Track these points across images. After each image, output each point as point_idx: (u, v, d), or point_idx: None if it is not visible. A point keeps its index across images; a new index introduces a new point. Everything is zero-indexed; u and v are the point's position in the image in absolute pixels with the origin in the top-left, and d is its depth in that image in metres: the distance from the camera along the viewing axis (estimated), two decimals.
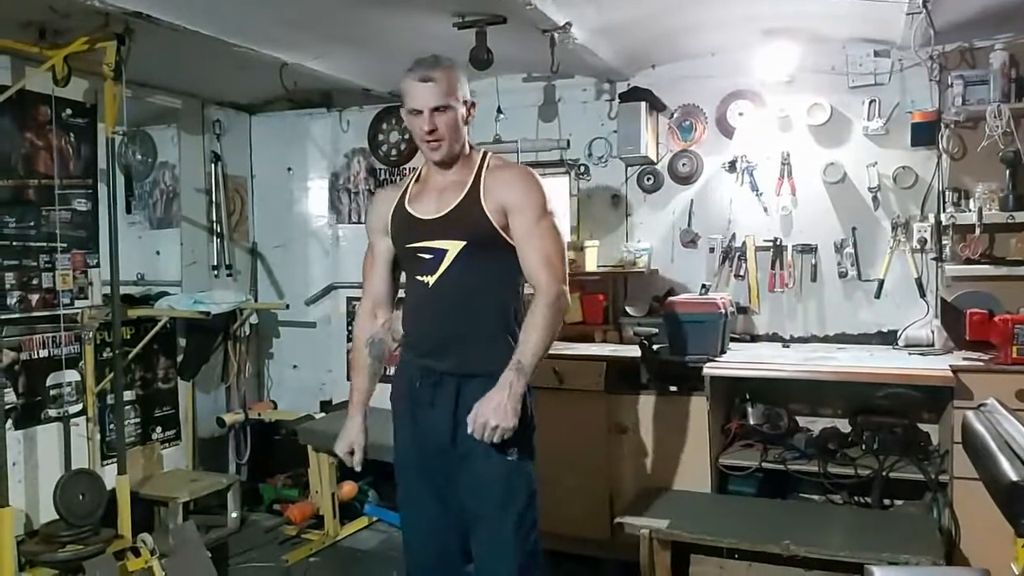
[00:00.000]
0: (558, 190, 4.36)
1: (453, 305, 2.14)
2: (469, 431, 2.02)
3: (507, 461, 2.11)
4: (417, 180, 2.28)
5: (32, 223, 3.61)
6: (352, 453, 2.30)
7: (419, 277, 2.19)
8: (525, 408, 2.09)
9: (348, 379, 2.32)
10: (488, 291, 2.15)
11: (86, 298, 3.82)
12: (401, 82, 2.15)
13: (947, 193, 3.54)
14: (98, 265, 3.87)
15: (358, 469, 2.32)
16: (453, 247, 2.13)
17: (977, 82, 3.37)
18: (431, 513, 2.22)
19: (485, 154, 2.25)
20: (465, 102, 2.17)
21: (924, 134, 3.56)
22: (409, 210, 2.22)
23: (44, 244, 3.65)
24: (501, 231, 2.13)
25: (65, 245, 3.73)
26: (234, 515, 4.08)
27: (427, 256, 2.16)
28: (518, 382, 2.03)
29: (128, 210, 4.20)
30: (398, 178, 4.67)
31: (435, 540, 2.24)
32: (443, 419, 2.14)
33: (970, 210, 3.41)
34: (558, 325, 2.12)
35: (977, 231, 3.39)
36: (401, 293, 2.36)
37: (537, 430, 2.22)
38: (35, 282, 3.62)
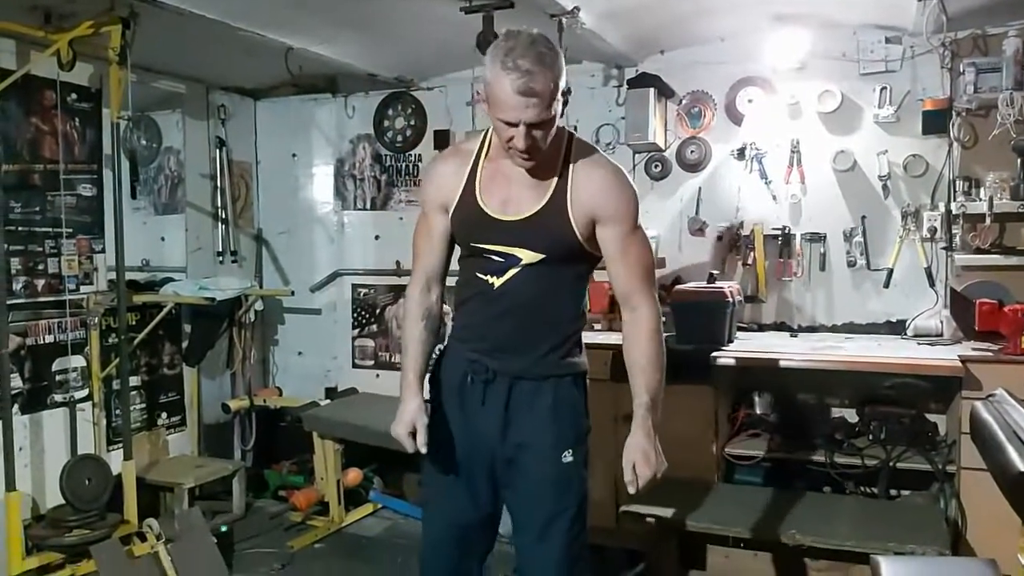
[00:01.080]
0: None
1: (516, 310, 1.98)
2: (632, 491, 1.94)
3: (562, 463, 2.01)
4: (487, 154, 1.99)
5: (37, 208, 3.61)
6: (414, 435, 2.01)
7: (481, 275, 2.00)
8: (583, 407, 2.05)
9: (399, 353, 2.18)
10: (556, 299, 2.01)
11: (91, 284, 3.82)
12: (490, 72, 1.79)
13: (958, 182, 3.50)
14: (103, 250, 3.87)
15: (423, 451, 2.01)
16: (528, 257, 1.94)
17: (989, 69, 3.33)
18: (463, 509, 2.09)
19: (571, 137, 1.98)
20: (565, 96, 1.86)
21: (935, 122, 3.53)
22: (481, 204, 1.96)
23: (49, 229, 3.65)
24: (585, 243, 1.95)
25: (70, 230, 3.73)
26: (239, 501, 4.10)
27: (496, 259, 1.96)
28: (655, 420, 1.95)
29: (133, 195, 4.21)
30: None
31: (461, 537, 2.11)
32: (493, 418, 2.01)
33: (981, 199, 3.38)
34: (662, 339, 2.00)
35: (988, 220, 3.35)
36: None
37: (591, 432, 2.14)
38: (40, 267, 3.62)
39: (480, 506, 2.09)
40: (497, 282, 1.97)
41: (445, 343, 2.15)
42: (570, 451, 2.02)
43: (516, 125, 1.79)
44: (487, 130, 1.99)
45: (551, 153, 1.91)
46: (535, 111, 1.76)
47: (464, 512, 2.09)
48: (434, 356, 2.14)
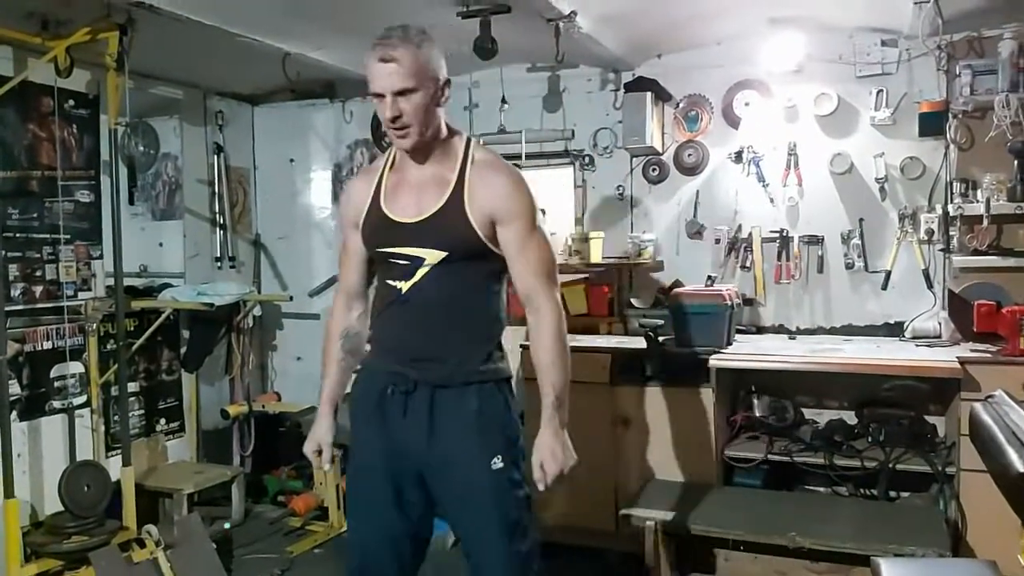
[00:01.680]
0: (562, 181, 4.36)
1: (428, 313, 1.99)
2: (541, 488, 1.96)
3: (492, 471, 1.97)
4: (392, 167, 2.07)
5: (35, 215, 3.60)
6: (320, 453, 2.17)
7: (391, 282, 2.02)
8: (509, 412, 2.02)
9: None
10: (466, 300, 2.01)
11: (89, 290, 3.82)
12: (365, 60, 1.91)
13: (955, 184, 3.51)
14: (101, 257, 3.87)
15: (326, 468, 2.22)
16: (432, 256, 1.96)
17: (985, 71, 3.34)
18: (390, 520, 2.06)
19: (468, 141, 2.04)
20: (437, 81, 1.93)
21: (932, 124, 3.54)
22: (385, 210, 2.02)
23: (47, 236, 3.64)
24: (487, 241, 1.97)
25: (68, 237, 3.72)
26: (238, 507, 4.09)
27: (402, 262, 1.99)
28: (563, 417, 1.98)
29: (131, 201, 4.21)
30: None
31: (392, 547, 2.08)
32: (417, 429, 1.99)
33: (978, 201, 3.38)
34: (565, 337, 2.01)
35: (985, 222, 3.36)
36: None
37: (522, 434, 2.09)
38: (39, 274, 3.61)
39: (409, 515, 2.07)
40: (405, 286, 1.98)
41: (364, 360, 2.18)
42: (499, 458, 1.98)
43: (384, 97, 1.87)
44: (391, 146, 2.08)
45: (448, 155, 1.99)
46: (396, 78, 1.85)
47: (395, 524, 2.06)
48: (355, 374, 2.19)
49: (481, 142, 2.15)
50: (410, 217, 1.98)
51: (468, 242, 1.95)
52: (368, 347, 2.18)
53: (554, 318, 1.98)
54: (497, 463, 1.98)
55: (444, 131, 2.01)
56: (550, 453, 1.94)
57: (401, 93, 1.86)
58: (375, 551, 2.09)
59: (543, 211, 2.07)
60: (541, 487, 1.96)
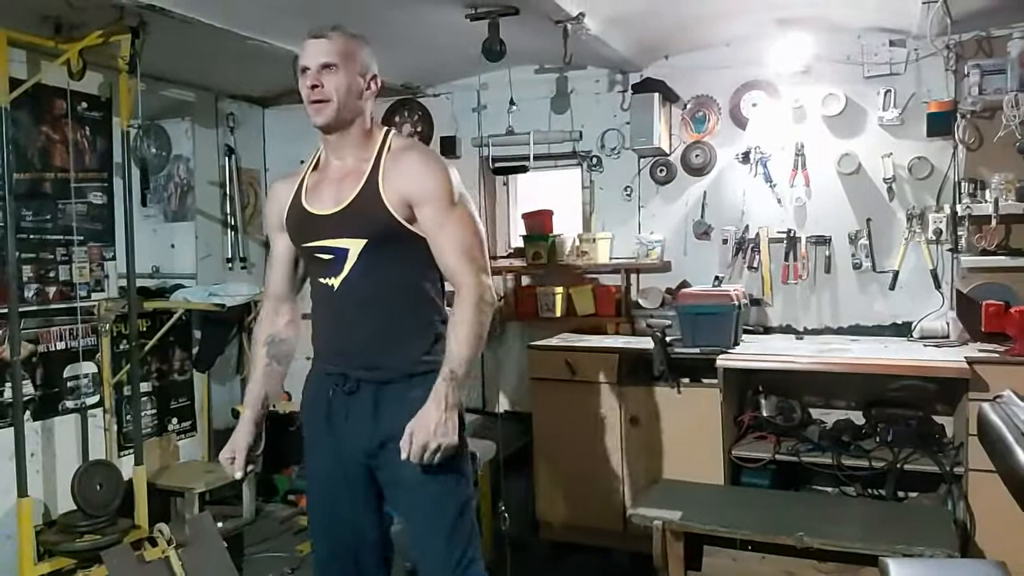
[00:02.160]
0: (570, 182, 4.38)
1: (363, 307, 1.95)
2: (404, 456, 1.82)
3: (437, 481, 1.92)
4: (316, 168, 2.07)
5: (49, 216, 3.64)
6: (233, 460, 2.09)
7: (323, 280, 1.99)
8: (460, 420, 1.91)
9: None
10: (400, 288, 1.97)
11: (102, 291, 3.86)
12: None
13: (963, 184, 3.51)
14: (114, 258, 3.91)
15: (238, 476, 2.12)
16: (354, 246, 1.93)
17: (994, 71, 3.34)
18: (351, 528, 2.05)
19: (388, 133, 2.02)
20: (364, 75, 1.97)
21: (940, 124, 3.54)
22: (305, 205, 2.01)
23: (61, 237, 3.68)
24: (406, 223, 1.93)
25: (81, 238, 3.76)
26: (249, 506, 4.11)
27: (327, 256, 1.97)
28: (452, 393, 1.85)
29: (143, 203, 4.24)
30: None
31: (355, 554, 2.07)
32: (362, 431, 1.96)
33: (986, 201, 3.38)
34: (487, 323, 1.91)
35: (993, 222, 3.36)
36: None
37: (466, 429, 2.00)
38: (52, 275, 3.65)
39: (369, 522, 2.06)
40: (336, 282, 1.96)
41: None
42: (443, 469, 1.91)
43: (309, 70, 1.92)
44: (318, 149, 2.09)
45: (367, 147, 1.98)
46: (323, 54, 1.91)
47: (352, 531, 2.05)
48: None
49: (404, 134, 2.16)
50: (328, 209, 1.96)
51: (386, 226, 1.92)
52: (312, 350, 2.11)
53: (472, 296, 1.90)
54: (442, 474, 1.92)
55: (368, 124, 2.00)
56: (423, 425, 1.82)
57: (325, 67, 1.91)
58: (333, 554, 2.08)
59: (460, 192, 1.98)
60: (403, 455, 1.82)
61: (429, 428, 1.82)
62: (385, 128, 2.05)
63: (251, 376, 2.20)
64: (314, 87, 1.91)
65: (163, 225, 4.51)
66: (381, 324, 1.96)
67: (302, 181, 2.05)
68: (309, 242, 1.99)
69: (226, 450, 2.11)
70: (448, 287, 2.04)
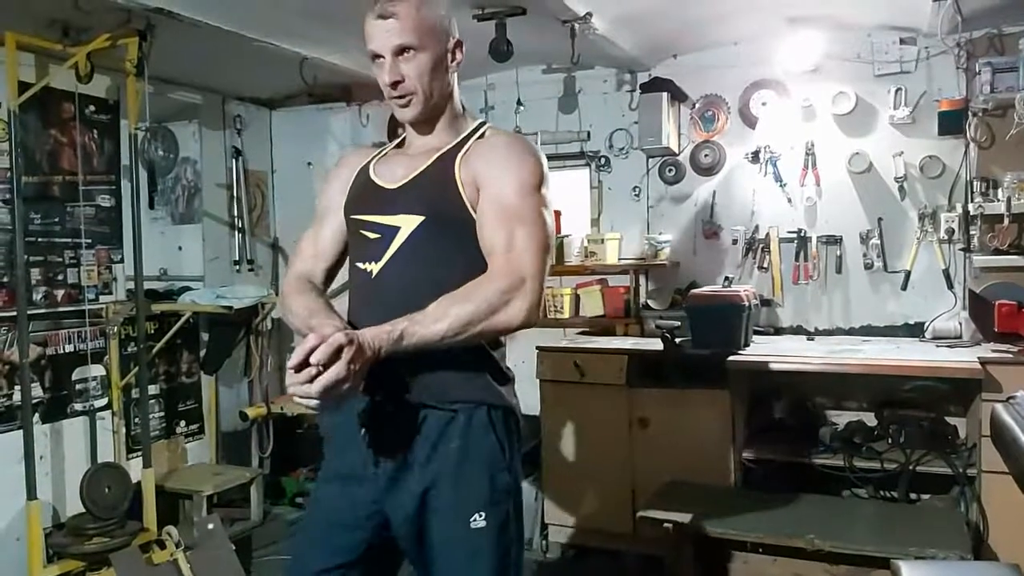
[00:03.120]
0: (578, 182, 4.36)
1: (404, 300, 1.54)
2: (290, 364, 1.40)
3: (471, 529, 1.58)
4: (400, 145, 1.80)
5: (57, 219, 3.65)
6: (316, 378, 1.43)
7: (361, 265, 1.66)
8: (502, 452, 1.61)
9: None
10: (450, 285, 1.53)
11: (110, 293, 3.86)
12: (364, 23, 1.63)
13: (975, 182, 3.48)
14: (122, 260, 3.91)
15: (314, 395, 1.41)
16: (407, 223, 1.60)
17: (1006, 69, 3.31)
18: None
19: (483, 124, 1.74)
20: (445, 41, 1.64)
21: (951, 122, 3.51)
22: (371, 175, 1.72)
23: (69, 240, 3.68)
24: (473, 211, 1.60)
25: (89, 241, 3.77)
26: (257, 508, 4.11)
27: (373, 236, 1.64)
28: (379, 340, 1.42)
29: (151, 206, 4.25)
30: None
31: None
32: (383, 480, 1.60)
33: (999, 200, 3.35)
34: (492, 322, 1.50)
35: (1006, 221, 3.33)
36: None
37: (519, 479, 1.71)
38: (60, 278, 3.65)
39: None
40: (376, 268, 1.63)
41: None
42: (481, 514, 1.58)
43: (383, 58, 1.61)
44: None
45: (455, 127, 1.70)
46: (396, 36, 1.58)
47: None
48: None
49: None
50: (395, 182, 1.68)
51: (450, 206, 1.60)
52: None
53: (511, 279, 1.51)
54: (478, 520, 1.58)
55: (459, 105, 1.72)
56: (353, 335, 1.40)
57: (402, 52, 1.59)
58: None
59: (543, 189, 1.63)
60: (292, 361, 1.39)
61: (351, 343, 1.38)
62: (482, 119, 1.79)
63: (301, 308, 1.67)
64: (395, 83, 1.61)
65: (171, 227, 4.52)
66: None
67: (380, 152, 1.79)
68: (360, 214, 1.68)
69: (297, 352, 1.42)
70: None
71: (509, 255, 1.54)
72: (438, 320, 1.46)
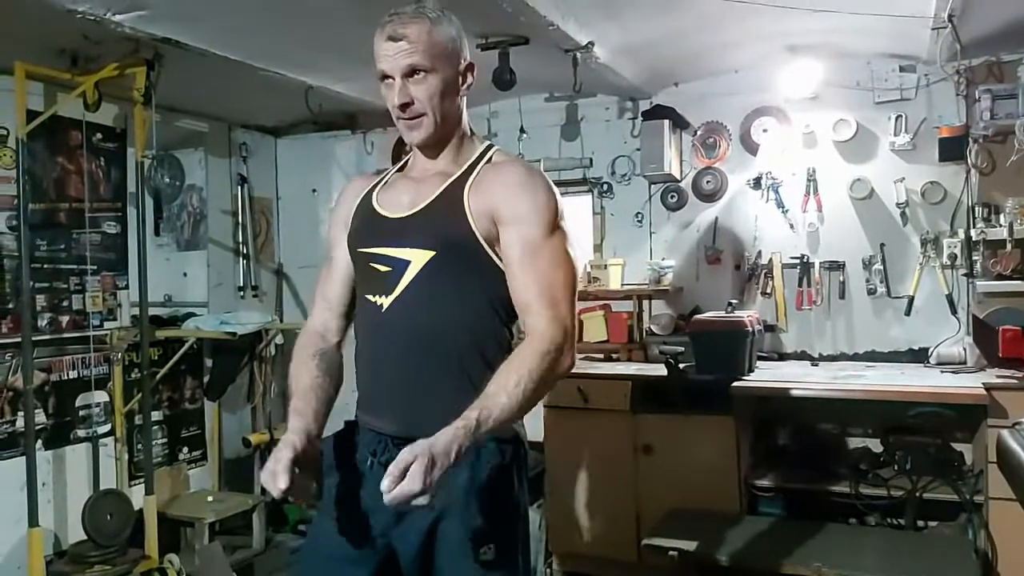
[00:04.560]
0: (581, 208, 4.38)
1: (414, 338, 1.56)
2: (383, 485, 1.32)
3: (480, 560, 1.54)
4: (402, 169, 1.77)
5: (63, 246, 3.67)
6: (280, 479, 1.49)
7: (370, 297, 1.62)
8: (511, 485, 1.58)
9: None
10: (463, 323, 1.56)
11: (115, 319, 3.88)
12: (374, 41, 1.59)
13: (977, 208, 3.49)
14: (127, 287, 3.93)
15: (279, 488, 1.48)
16: (418, 258, 1.57)
17: (1005, 96, 3.33)
18: None
19: (490, 147, 1.70)
20: (457, 63, 1.61)
21: (952, 149, 3.53)
22: (375, 205, 1.68)
23: (74, 266, 3.71)
24: (485, 244, 1.57)
25: (95, 267, 3.79)
26: (259, 536, 4.09)
27: (383, 268, 1.60)
28: (456, 441, 1.37)
29: (156, 232, 4.27)
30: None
31: None
32: (390, 514, 1.53)
33: (1001, 225, 3.36)
34: (549, 382, 1.50)
35: (1008, 246, 3.33)
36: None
37: (526, 518, 1.67)
38: (65, 304, 3.67)
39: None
40: (386, 302, 1.59)
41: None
42: (490, 546, 1.55)
43: (392, 80, 1.57)
44: (410, 153, 1.79)
45: (463, 152, 1.67)
46: (406, 57, 1.54)
47: None
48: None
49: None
50: (401, 212, 1.63)
51: (460, 240, 1.56)
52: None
53: (542, 345, 1.49)
54: (488, 553, 1.55)
55: (467, 129, 1.68)
56: (422, 447, 1.34)
57: (412, 74, 1.56)
58: None
59: (562, 223, 1.61)
60: (384, 484, 1.32)
61: (419, 449, 1.34)
62: (488, 142, 1.74)
63: (296, 391, 1.69)
64: (404, 105, 1.58)
65: (176, 254, 4.54)
66: (431, 361, 1.58)
67: (382, 179, 1.75)
68: (367, 247, 1.64)
69: (268, 463, 1.54)
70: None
71: (551, 313, 1.53)
72: (508, 396, 1.44)
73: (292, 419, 1.63)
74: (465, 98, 1.68)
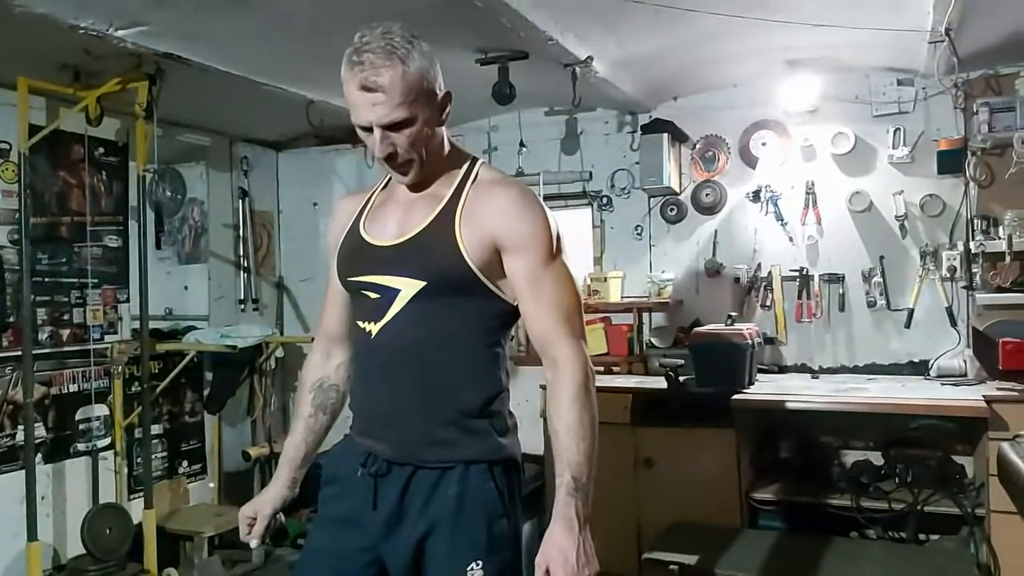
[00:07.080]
0: (581, 222, 4.39)
1: (403, 364, 1.57)
2: None
3: None
4: (385, 187, 1.72)
5: (64, 259, 3.68)
6: (253, 524, 1.75)
7: (361, 323, 1.63)
8: (501, 502, 1.58)
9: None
10: (453, 350, 1.57)
11: (115, 333, 3.88)
12: (343, 73, 1.52)
13: (976, 221, 3.50)
14: (128, 300, 3.94)
15: (253, 544, 1.77)
16: (408, 287, 1.55)
17: (1003, 109, 3.35)
18: None
19: (474, 161, 1.66)
20: (434, 99, 1.55)
21: (950, 162, 3.54)
22: (362, 232, 1.65)
23: (75, 280, 3.72)
24: (479, 273, 1.55)
25: (96, 281, 3.80)
26: (259, 550, 4.07)
27: (373, 296, 1.59)
28: (583, 508, 1.45)
29: (158, 246, 4.28)
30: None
31: None
32: (384, 521, 1.58)
33: (1000, 237, 3.37)
34: (595, 406, 1.54)
35: (1007, 259, 3.34)
36: None
37: (520, 533, 1.66)
38: (66, 317, 3.68)
39: None
40: (375, 328, 1.59)
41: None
42: (478, 563, 1.53)
43: (370, 130, 1.52)
44: None
45: (449, 173, 1.62)
46: (383, 109, 1.48)
47: None
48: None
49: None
50: (388, 239, 1.60)
51: (453, 271, 1.54)
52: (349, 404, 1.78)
53: (577, 375, 1.52)
54: (475, 570, 1.53)
55: (447, 146, 1.64)
56: (560, 557, 1.42)
57: (393, 127, 1.51)
58: None
59: (560, 244, 1.61)
60: None
61: (569, 563, 1.41)
62: (471, 156, 1.68)
63: (292, 427, 1.83)
64: (390, 156, 1.54)
65: (176, 267, 4.55)
66: (423, 388, 1.58)
67: (368, 200, 1.71)
68: (356, 276, 1.63)
69: (248, 507, 1.76)
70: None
71: (568, 331, 1.55)
72: (579, 448, 1.49)
73: (282, 462, 1.84)
74: (447, 120, 1.63)
